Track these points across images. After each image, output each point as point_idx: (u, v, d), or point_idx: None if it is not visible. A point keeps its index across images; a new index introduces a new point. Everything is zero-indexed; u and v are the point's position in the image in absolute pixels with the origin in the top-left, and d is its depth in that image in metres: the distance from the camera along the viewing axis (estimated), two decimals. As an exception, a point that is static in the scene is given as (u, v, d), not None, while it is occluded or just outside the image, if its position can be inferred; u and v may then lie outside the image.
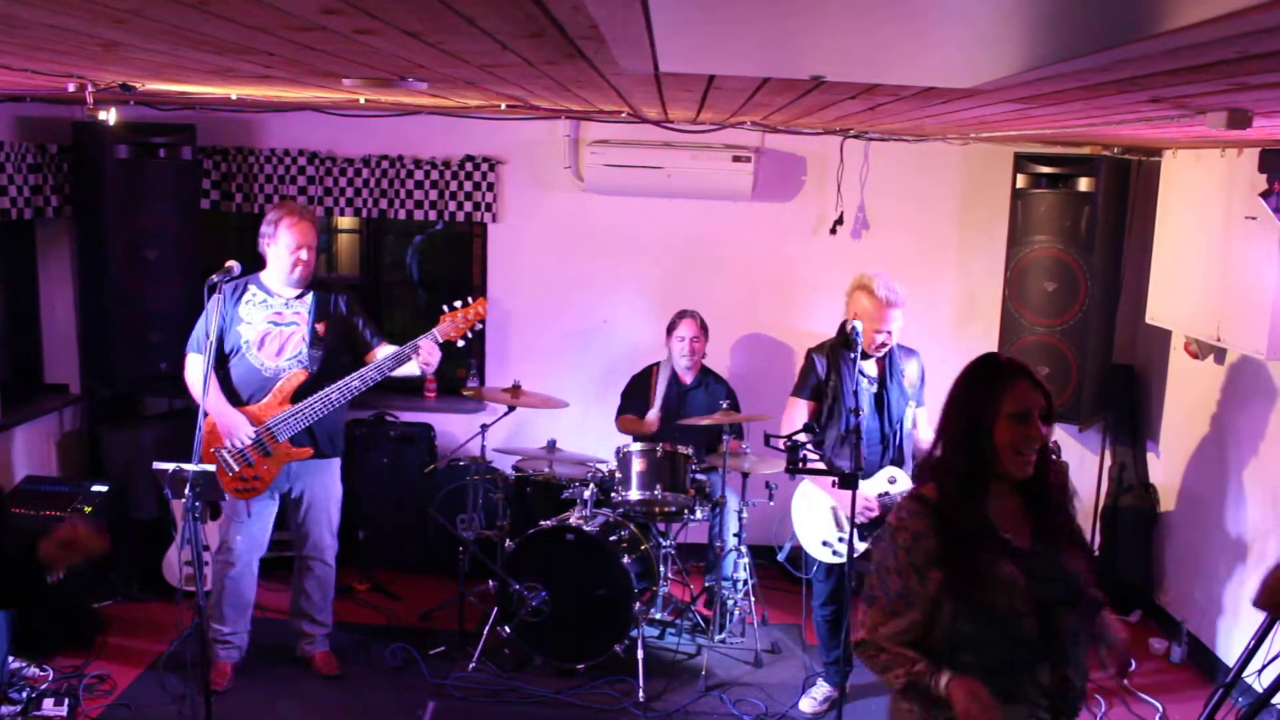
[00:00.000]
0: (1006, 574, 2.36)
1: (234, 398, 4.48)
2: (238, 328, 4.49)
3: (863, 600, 2.50)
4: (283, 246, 4.48)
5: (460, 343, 4.64)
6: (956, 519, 2.39)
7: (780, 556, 5.76)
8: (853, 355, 4.41)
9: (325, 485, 4.68)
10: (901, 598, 2.40)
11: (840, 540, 4.43)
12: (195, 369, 4.44)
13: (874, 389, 4.49)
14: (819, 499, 4.52)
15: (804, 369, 4.60)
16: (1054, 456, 2.52)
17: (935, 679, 2.31)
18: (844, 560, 4.33)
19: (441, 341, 4.54)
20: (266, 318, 4.52)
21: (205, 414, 4.14)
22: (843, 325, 4.59)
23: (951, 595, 2.36)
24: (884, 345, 4.44)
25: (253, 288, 4.56)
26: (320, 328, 4.57)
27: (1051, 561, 2.42)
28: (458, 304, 4.63)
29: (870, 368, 4.49)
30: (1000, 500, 2.44)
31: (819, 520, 4.52)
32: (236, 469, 4.43)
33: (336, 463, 4.72)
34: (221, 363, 4.49)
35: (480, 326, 4.71)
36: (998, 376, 2.42)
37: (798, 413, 4.53)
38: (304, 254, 4.49)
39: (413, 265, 7.17)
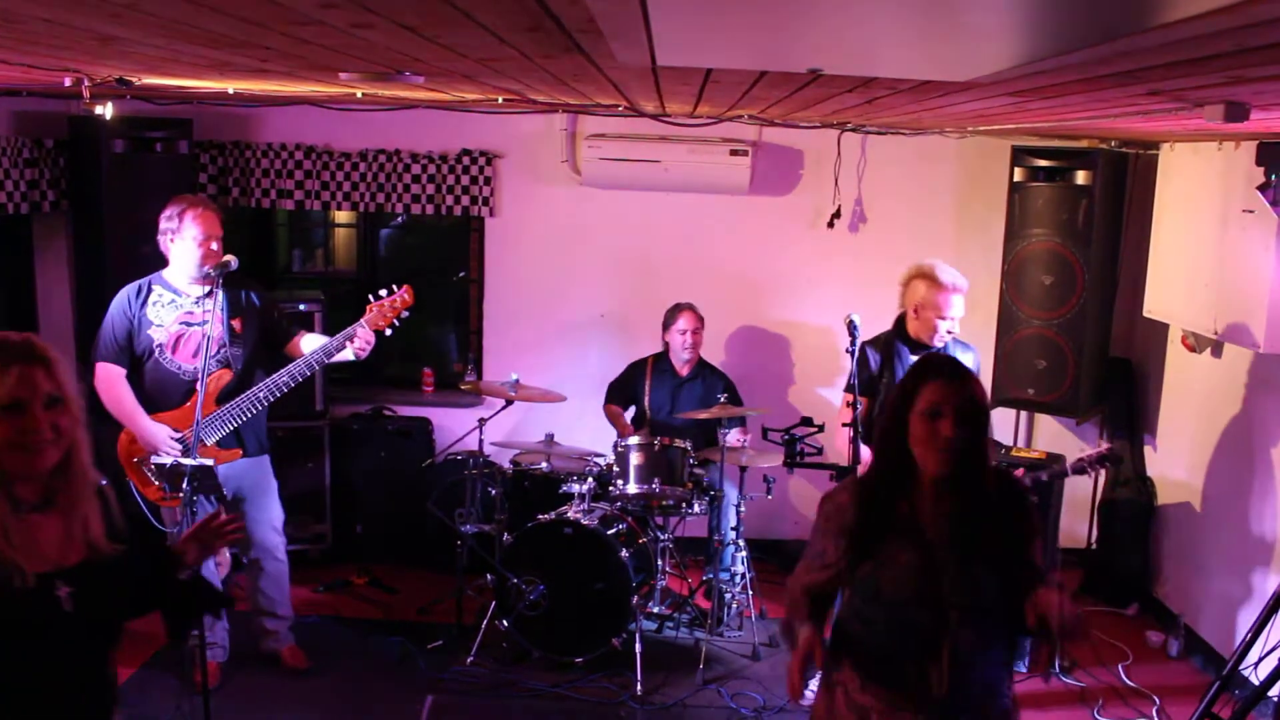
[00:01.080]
0: (904, 561, 2.44)
1: (149, 404, 4.28)
2: (148, 331, 4.29)
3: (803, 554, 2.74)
4: (189, 239, 4.24)
5: (388, 331, 4.48)
6: (879, 502, 2.51)
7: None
8: (906, 349, 4.36)
9: (259, 483, 4.54)
10: (819, 557, 2.59)
11: None
12: (105, 378, 4.25)
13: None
14: None
15: (858, 363, 4.52)
16: (1023, 485, 2.57)
17: (800, 626, 2.54)
18: None
19: (371, 332, 4.41)
20: (177, 318, 4.30)
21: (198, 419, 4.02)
22: (899, 318, 4.55)
23: (852, 568, 2.50)
24: (949, 334, 4.31)
25: (158, 288, 4.34)
26: (236, 324, 4.39)
27: (962, 565, 2.43)
28: (383, 293, 4.50)
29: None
30: (934, 498, 2.47)
31: None
32: (158, 482, 4.24)
33: (267, 459, 4.58)
34: (133, 369, 4.30)
35: (407, 314, 4.52)
36: (919, 374, 2.50)
37: (849, 406, 4.48)
38: (213, 245, 4.25)
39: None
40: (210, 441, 4.28)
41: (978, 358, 4.57)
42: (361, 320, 4.42)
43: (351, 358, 4.43)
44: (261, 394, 4.31)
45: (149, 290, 4.34)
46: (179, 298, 4.33)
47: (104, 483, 2.36)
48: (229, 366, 4.35)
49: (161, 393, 4.31)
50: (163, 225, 4.31)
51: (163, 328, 4.30)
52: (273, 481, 4.62)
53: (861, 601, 2.52)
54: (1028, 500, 2.61)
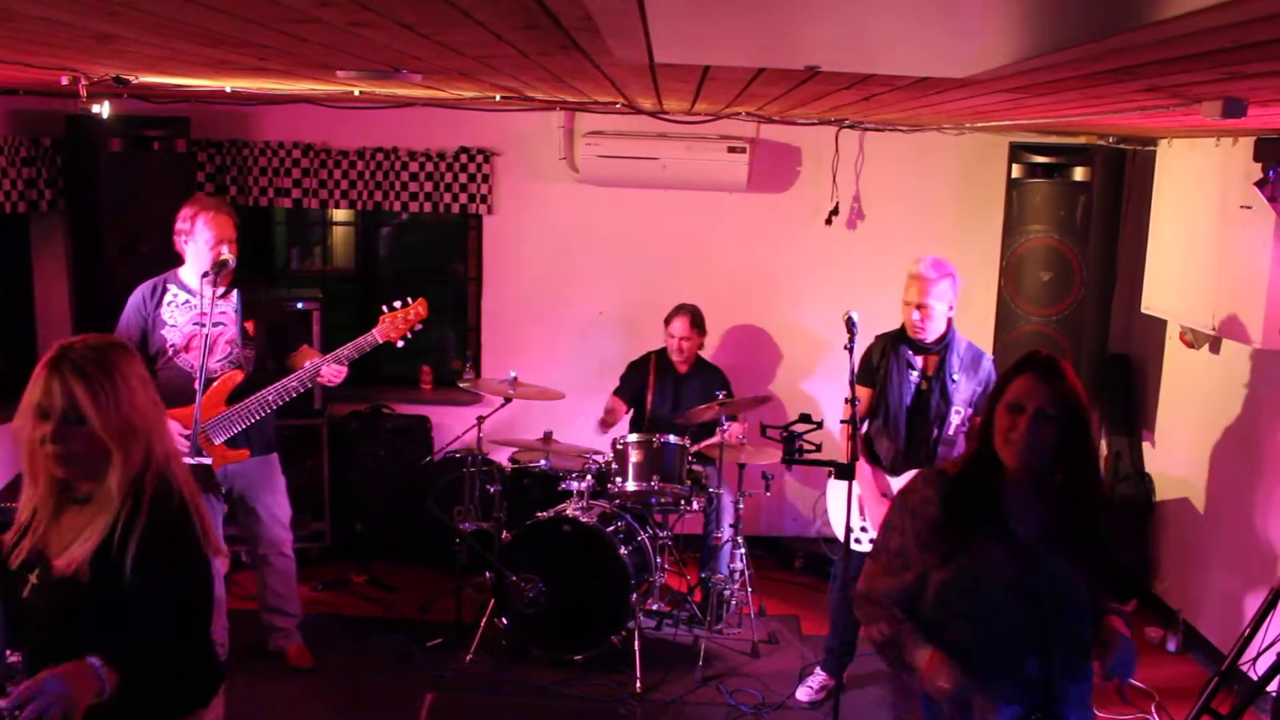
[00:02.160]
0: (996, 558, 2.42)
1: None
2: (161, 331, 4.33)
3: (870, 555, 2.63)
4: (201, 243, 4.28)
5: (400, 343, 4.53)
6: (968, 499, 2.47)
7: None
8: (904, 345, 4.36)
9: (267, 481, 4.59)
10: (900, 557, 2.52)
11: (863, 529, 4.43)
12: None
13: (921, 385, 4.34)
14: (850, 486, 4.47)
15: (864, 355, 4.51)
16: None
17: (915, 646, 2.42)
18: (864, 548, 4.38)
19: (381, 342, 4.47)
20: (191, 319, 4.34)
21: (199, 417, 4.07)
22: None
23: (940, 565, 2.45)
24: (921, 324, 4.28)
25: (173, 288, 4.38)
26: (250, 326, 4.42)
27: (1049, 560, 2.44)
28: (397, 304, 4.53)
29: (921, 362, 4.35)
30: (1019, 492, 2.48)
31: (846, 506, 4.46)
32: None
33: (274, 457, 4.63)
34: (147, 367, 4.35)
35: (420, 328, 4.57)
36: (1013, 368, 2.50)
37: (857, 395, 4.46)
38: (224, 248, 4.28)
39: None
40: (219, 441, 4.32)
41: (989, 367, 4.42)
42: (373, 330, 4.48)
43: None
44: (270, 396, 4.33)
45: (164, 289, 4.38)
46: (194, 298, 4.36)
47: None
48: (240, 368, 4.38)
49: (173, 391, 4.29)
50: (177, 225, 4.36)
51: (176, 328, 4.35)
52: (280, 478, 4.67)
53: (956, 598, 2.45)
54: (1106, 500, 2.64)
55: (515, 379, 5.09)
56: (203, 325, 4.30)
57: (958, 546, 2.44)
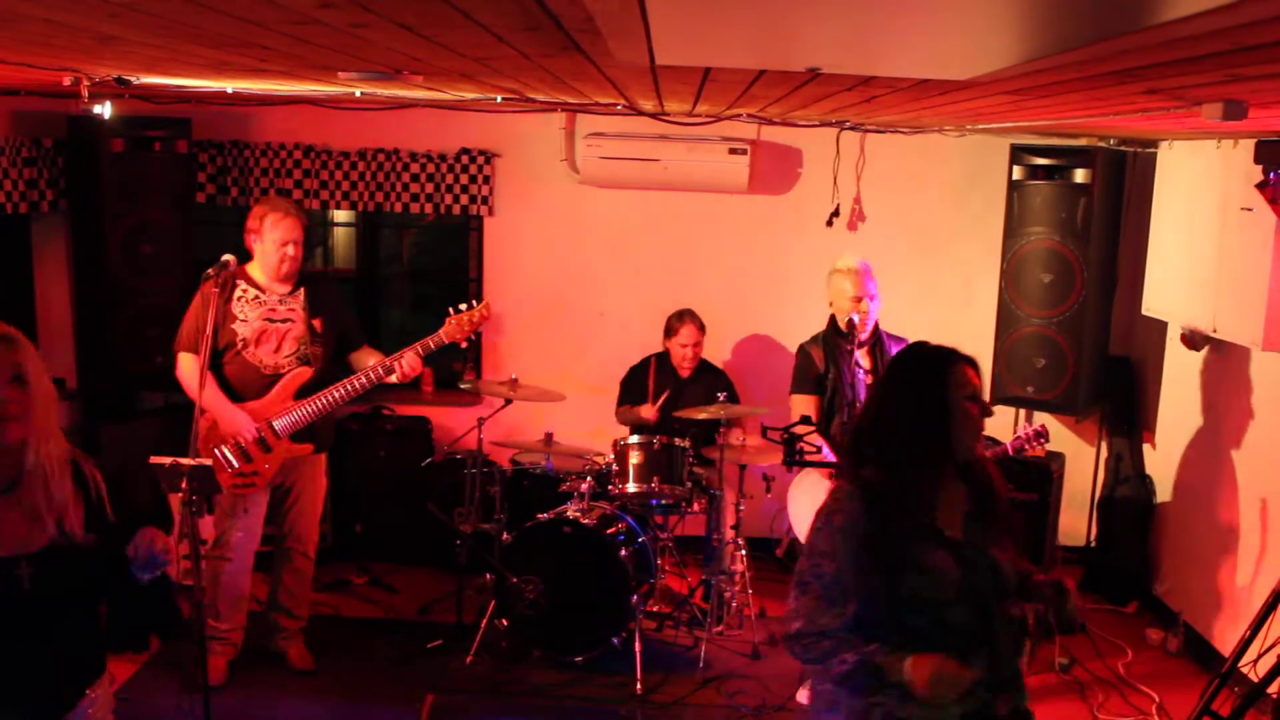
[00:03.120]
0: (938, 562, 2.38)
1: (232, 396, 4.42)
2: (232, 325, 4.42)
3: (793, 587, 2.44)
4: (270, 243, 4.42)
5: (464, 344, 4.72)
6: (895, 505, 2.39)
7: (780, 552, 5.76)
8: (849, 346, 4.42)
9: (315, 478, 4.68)
10: (836, 584, 2.38)
11: None
12: (188, 367, 4.40)
13: (870, 379, 4.45)
14: (819, 492, 4.49)
15: (800, 364, 4.59)
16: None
17: (892, 661, 2.31)
18: None
19: (447, 343, 4.57)
20: (261, 314, 4.45)
21: (202, 411, 4.12)
22: (831, 318, 4.62)
23: (883, 581, 2.36)
24: (865, 316, 4.39)
25: (243, 284, 4.47)
26: (318, 323, 4.54)
27: (981, 551, 2.43)
28: (463, 306, 4.63)
29: (864, 358, 4.48)
30: (947, 488, 2.45)
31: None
32: (236, 465, 4.39)
33: (324, 456, 4.74)
34: (215, 359, 4.40)
35: (483, 329, 4.72)
36: (946, 360, 2.45)
37: (802, 409, 4.51)
38: (290, 249, 4.43)
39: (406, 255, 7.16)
40: (285, 436, 4.43)
41: None
42: (439, 330, 4.57)
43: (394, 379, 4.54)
44: (337, 393, 4.45)
45: (234, 285, 4.46)
46: (263, 294, 4.48)
47: (93, 472, 2.48)
48: (309, 364, 4.49)
49: (242, 384, 4.46)
50: (249, 224, 4.48)
51: (247, 323, 4.45)
52: (325, 479, 4.77)
53: (911, 612, 2.37)
54: (1001, 477, 2.59)
55: (516, 380, 5.09)
56: (273, 321, 4.47)
57: (898, 560, 2.36)
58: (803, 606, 2.40)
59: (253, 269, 4.50)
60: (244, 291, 4.47)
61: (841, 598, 2.37)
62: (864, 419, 2.56)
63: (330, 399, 4.44)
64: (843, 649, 2.35)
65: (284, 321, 4.49)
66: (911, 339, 4.67)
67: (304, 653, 4.79)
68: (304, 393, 4.45)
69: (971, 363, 2.47)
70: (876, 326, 4.56)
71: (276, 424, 4.40)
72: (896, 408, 2.48)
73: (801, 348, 4.62)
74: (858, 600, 2.37)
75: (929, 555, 2.38)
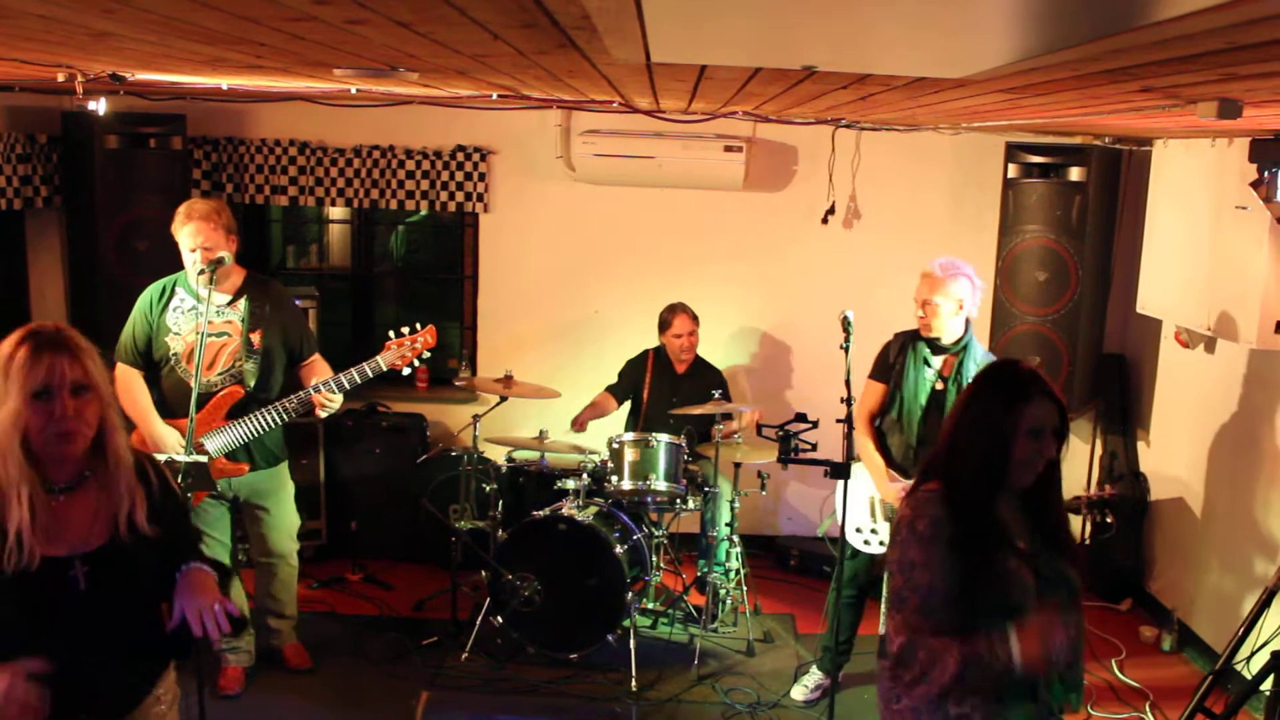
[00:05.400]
0: (1015, 569, 2.39)
1: (164, 410, 4.23)
2: (165, 338, 4.22)
3: (892, 608, 2.45)
4: (182, 249, 4.14)
5: (405, 371, 4.43)
6: (970, 517, 2.40)
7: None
8: (926, 348, 4.37)
9: (274, 493, 4.48)
10: (934, 592, 2.36)
11: (873, 531, 4.44)
12: (124, 380, 4.20)
13: (937, 384, 4.32)
14: (861, 486, 4.46)
15: (881, 350, 4.52)
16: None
17: (996, 640, 2.27)
18: (873, 549, 4.44)
19: (385, 370, 4.33)
20: (195, 327, 4.16)
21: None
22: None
23: (966, 586, 2.36)
24: (925, 321, 4.29)
25: (180, 291, 4.26)
26: (255, 338, 4.28)
27: (1052, 563, 2.45)
28: (405, 330, 4.42)
29: (940, 363, 4.34)
30: (1009, 507, 2.47)
31: (856, 506, 4.46)
32: None
33: (283, 467, 4.51)
34: (152, 372, 4.25)
35: (428, 355, 4.46)
36: (1019, 392, 2.41)
37: (869, 393, 4.44)
38: (199, 255, 4.10)
39: (396, 249, 7.14)
40: (215, 453, 4.23)
41: None
42: (376, 357, 4.35)
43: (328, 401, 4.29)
44: (270, 416, 4.23)
45: (171, 293, 4.28)
46: (199, 304, 4.21)
47: (157, 462, 2.49)
48: (240, 382, 4.26)
49: (176, 400, 4.24)
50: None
51: (179, 336, 4.24)
52: (289, 488, 4.56)
53: (989, 619, 2.34)
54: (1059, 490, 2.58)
55: (511, 377, 5.09)
56: (208, 335, 4.17)
57: (980, 565, 2.37)
58: (902, 622, 2.39)
59: (190, 275, 4.24)
60: (180, 301, 4.26)
61: (941, 606, 2.36)
62: (945, 431, 2.54)
63: (262, 421, 4.22)
64: (946, 650, 2.32)
65: (219, 335, 4.24)
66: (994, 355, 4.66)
67: (299, 650, 4.76)
68: (237, 411, 4.23)
69: (1050, 394, 2.40)
70: (966, 337, 4.32)
71: (208, 444, 4.19)
72: (965, 425, 2.48)
73: (896, 335, 4.53)
74: (951, 606, 2.35)
75: (1009, 563, 2.39)
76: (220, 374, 4.25)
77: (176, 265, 4.31)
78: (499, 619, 4.90)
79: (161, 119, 5.54)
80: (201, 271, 4.12)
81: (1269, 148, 4.12)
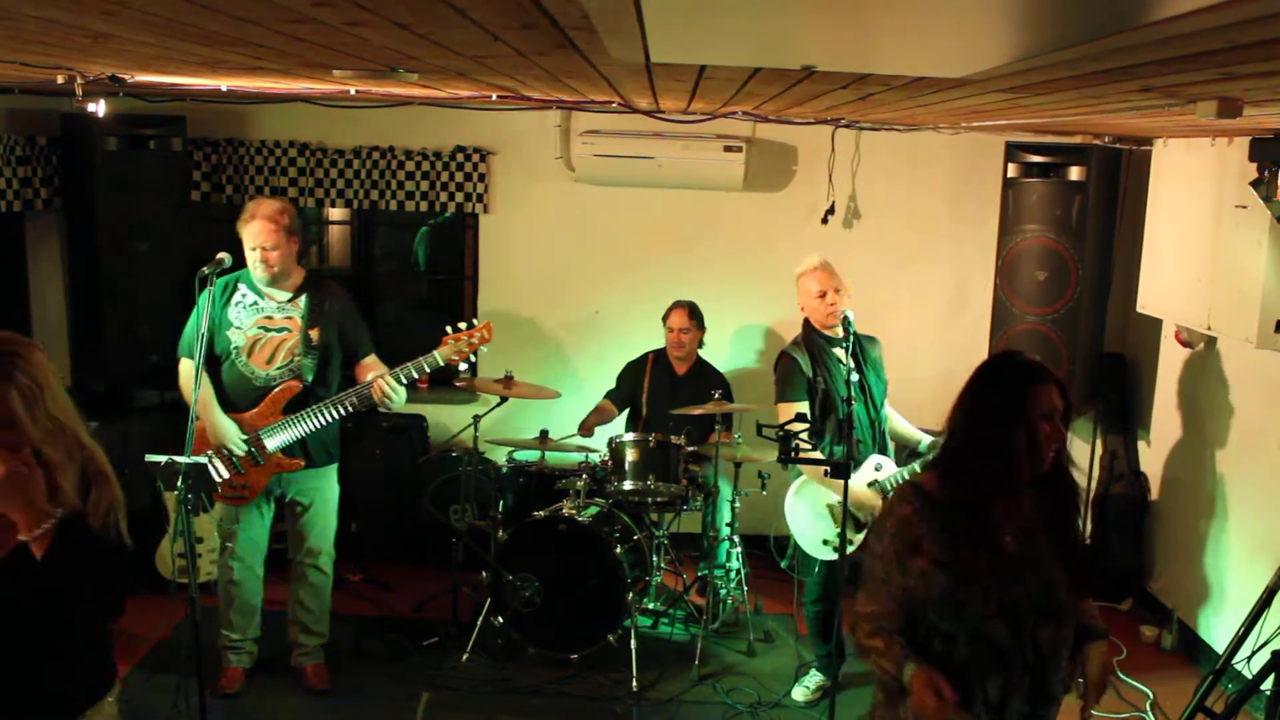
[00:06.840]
0: (980, 571, 2.36)
1: (226, 403, 4.31)
2: (227, 332, 4.30)
3: (862, 581, 2.55)
4: (245, 248, 4.25)
5: (463, 366, 4.46)
6: (952, 514, 2.40)
7: (783, 564, 5.77)
8: (831, 347, 4.40)
9: (320, 492, 4.54)
10: (883, 583, 2.45)
11: (837, 534, 4.42)
12: (186, 374, 4.30)
13: (855, 377, 4.38)
14: (818, 498, 4.46)
15: (789, 371, 4.48)
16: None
17: (904, 661, 2.35)
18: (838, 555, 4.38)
19: (443, 364, 4.40)
20: (256, 322, 4.31)
21: (196, 418, 4.04)
22: (805, 323, 4.61)
23: (924, 583, 2.37)
24: (835, 308, 4.40)
25: (243, 287, 4.35)
26: (314, 334, 4.35)
27: (1030, 567, 2.40)
28: (461, 325, 4.45)
29: (844, 357, 4.42)
30: (1011, 498, 2.43)
31: (820, 520, 4.47)
32: (226, 476, 4.28)
33: (333, 468, 4.58)
34: (213, 364, 4.30)
35: (484, 350, 4.48)
36: (1031, 377, 2.40)
37: (790, 413, 4.47)
38: (259, 254, 4.23)
39: (419, 252, 7.13)
40: (272, 449, 4.29)
41: (881, 350, 4.66)
42: (433, 351, 4.39)
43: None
44: (327, 412, 4.28)
45: (234, 289, 4.35)
46: (261, 301, 4.33)
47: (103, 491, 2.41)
48: (299, 377, 4.32)
49: (237, 393, 4.33)
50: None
51: (241, 330, 4.32)
52: (335, 489, 4.61)
53: (940, 618, 2.38)
54: (1074, 481, 2.56)
55: (511, 378, 5.09)
56: (268, 330, 4.31)
57: (942, 560, 2.37)
58: (862, 595, 2.51)
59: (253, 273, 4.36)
60: (243, 297, 4.35)
61: (884, 597, 2.44)
62: (950, 426, 2.52)
63: (319, 416, 4.28)
64: (878, 634, 2.43)
65: (279, 331, 4.33)
66: (907, 336, 4.72)
67: (320, 671, 4.69)
68: (294, 406, 4.30)
69: (1058, 384, 2.40)
70: (849, 327, 4.38)
71: (266, 438, 4.28)
72: (967, 416, 2.46)
73: (785, 354, 4.56)
74: (898, 602, 2.42)
75: (974, 563, 2.37)
76: (279, 368, 4.33)
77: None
78: (500, 619, 4.90)
79: (161, 120, 5.54)
80: (204, 275, 4.10)
81: (1269, 147, 4.12)
